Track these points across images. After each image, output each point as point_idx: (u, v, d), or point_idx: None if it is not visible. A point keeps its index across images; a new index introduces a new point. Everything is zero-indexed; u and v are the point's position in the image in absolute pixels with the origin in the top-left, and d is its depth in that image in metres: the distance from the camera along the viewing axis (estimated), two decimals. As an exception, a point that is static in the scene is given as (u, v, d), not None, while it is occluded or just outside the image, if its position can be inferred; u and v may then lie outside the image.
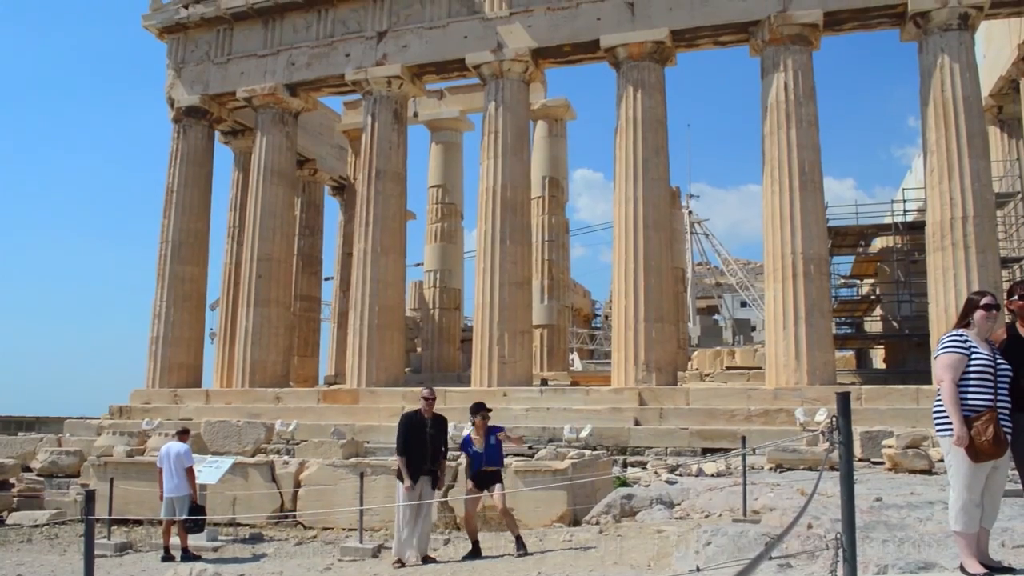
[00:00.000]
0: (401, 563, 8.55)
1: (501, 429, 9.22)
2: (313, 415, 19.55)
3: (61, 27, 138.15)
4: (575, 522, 10.87)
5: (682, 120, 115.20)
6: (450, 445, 14.27)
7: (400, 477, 8.73)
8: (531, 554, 8.34)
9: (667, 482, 11.79)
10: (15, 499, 14.94)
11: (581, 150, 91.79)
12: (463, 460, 9.52)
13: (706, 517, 9.15)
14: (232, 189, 25.88)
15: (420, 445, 8.66)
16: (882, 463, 12.21)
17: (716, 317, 44.16)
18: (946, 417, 4.86)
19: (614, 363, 18.64)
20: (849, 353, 27.50)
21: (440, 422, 8.99)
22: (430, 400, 8.91)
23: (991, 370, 4.91)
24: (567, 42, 19.68)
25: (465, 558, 8.74)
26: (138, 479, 13.29)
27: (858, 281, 27.37)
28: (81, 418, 22.83)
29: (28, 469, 16.41)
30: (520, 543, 8.57)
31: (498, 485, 8.87)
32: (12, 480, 15.37)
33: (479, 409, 9.04)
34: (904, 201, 22.56)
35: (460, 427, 15.91)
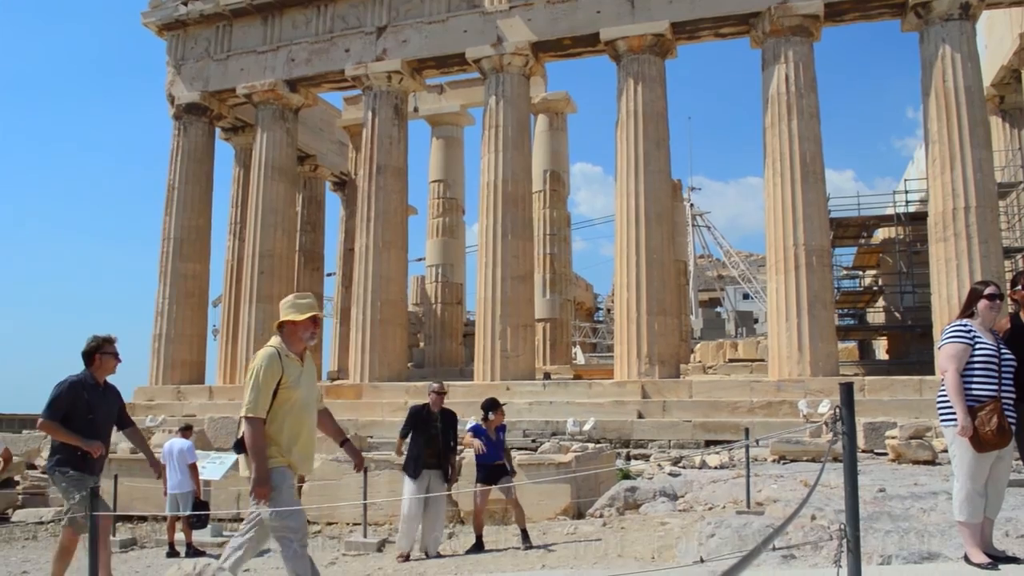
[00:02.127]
0: (406, 557, 8.54)
1: (504, 427, 9.20)
2: (316, 411, 19.53)
3: (60, 25, 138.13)
4: (579, 515, 10.87)
5: (683, 113, 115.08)
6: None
7: (404, 469, 8.71)
8: (535, 547, 8.34)
9: (670, 474, 11.79)
10: (20, 496, 14.98)
11: (579, 144, 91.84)
12: (467, 455, 9.50)
13: (710, 509, 9.15)
14: (233, 186, 25.88)
15: (427, 439, 8.61)
16: (886, 454, 12.21)
17: (718, 309, 44.20)
18: (950, 407, 4.86)
19: (617, 356, 18.64)
20: (852, 344, 27.50)
21: (449, 416, 8.93)
22: (440, 394, 8.87)
23: (995, 360, 4.90)
24: (567, 35, 19.63)
25: (469, 552, 8.74)
26: (142, 475, 13.26)
27: (860, 272, 27.36)
28: (85, 415, 22.85)
29: (32, 467, 16.43)
30: (525, 536, 8.58)
31: (505, 477, 8.87)
32: (17, 478, 15.40)
33: (496, 405, 9.00)
34: (906, 192, 22.53)
35: (464, 421, 15.92)
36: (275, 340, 4.89)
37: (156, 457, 6.93)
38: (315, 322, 4.92)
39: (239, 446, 4.81)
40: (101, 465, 6.32)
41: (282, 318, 4.89)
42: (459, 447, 9.34)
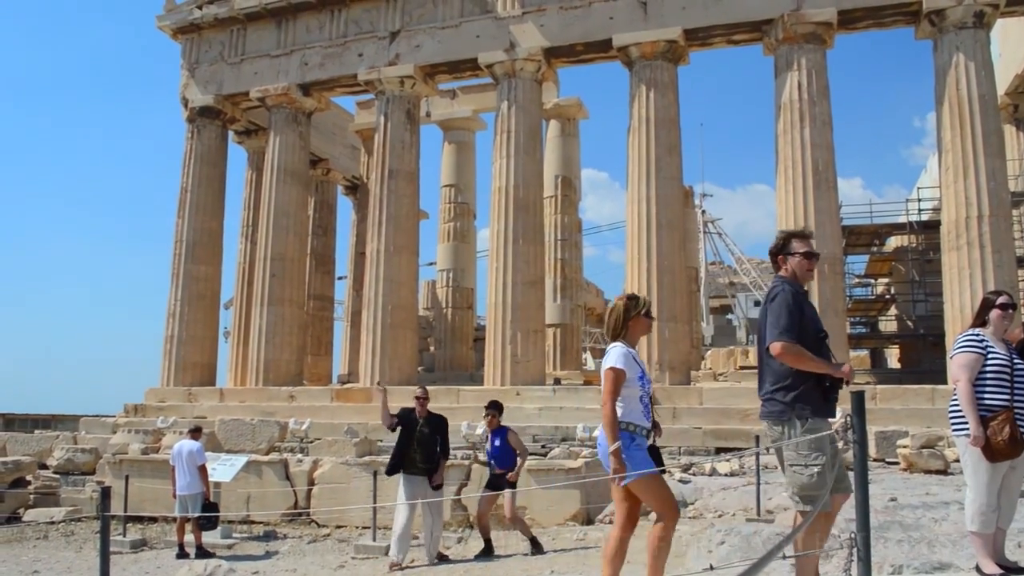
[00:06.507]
0: (398, 566, 8.44)
1: (506, 430, 9.08)
2: (326, 414, 19.60)
3: (75, 27, 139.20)
4: (588, 521, 10.87)
5: (695, 119, 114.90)
6: (463, 443, 14.29)
7: (388, 470, 8.79)
8: (544, 553, 8.34)
9: (681, 481, 11.76)
10: (32, 496, 15.06)
11: (585, 150, 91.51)
12: (480, 457, 9.54)
13: (719, 516, 9.14)
14: (246, 189, 25.99)
15: (410, 442, 8.63)
16: (897, 463, 12.15)
17: (729, 316, 44.04)
18: (962, 417, 4.84)
19: (627, 362, 18.58)
20: (864, 353, 27.39)
21: (436, 421, 8.88)
22: (421, 399, 8.88)
23: (1008, 370, 4.88)
24: (579, 41, 19.65)
25: (477, 557, 8.74)
26: (153, 477, 13.38)
27: (872, 280, 27.25)
28: (97, 416, 22.97)
29: (44, 466, 16.52)
30: (535, 544, 8.56)
31: (507, 490, 8.81)
32: (28, 477, 15.48)
33: (490, 408, 9.08)
34: (919, 200, 22.43)
35: (473, 425, 15.93)
36: None
37: None
38: None
39: None
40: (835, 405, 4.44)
41: None
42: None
